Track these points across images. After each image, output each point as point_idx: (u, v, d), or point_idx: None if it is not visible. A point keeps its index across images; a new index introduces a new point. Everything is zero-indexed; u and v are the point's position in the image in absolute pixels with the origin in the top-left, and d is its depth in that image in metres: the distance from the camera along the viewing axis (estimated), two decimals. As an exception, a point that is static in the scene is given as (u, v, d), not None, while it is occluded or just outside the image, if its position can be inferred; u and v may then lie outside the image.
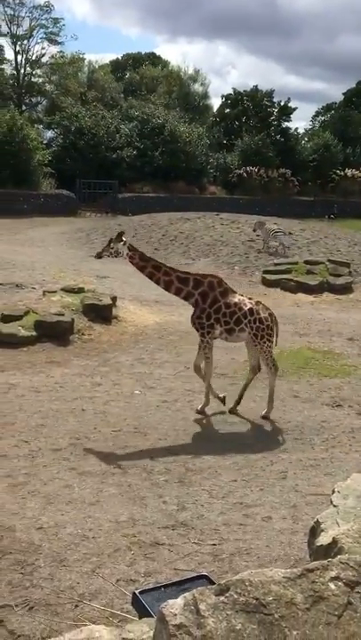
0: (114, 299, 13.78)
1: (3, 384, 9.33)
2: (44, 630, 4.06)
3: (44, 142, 48.01)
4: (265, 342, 8.59)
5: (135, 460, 6.97)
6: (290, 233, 23.81)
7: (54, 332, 11.74)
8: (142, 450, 7.28)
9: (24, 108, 54.93)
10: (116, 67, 70.29)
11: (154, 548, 5.17)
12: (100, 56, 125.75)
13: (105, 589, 4.56)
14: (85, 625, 4.01)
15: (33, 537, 5.24)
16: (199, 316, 8.47)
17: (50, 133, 53.80)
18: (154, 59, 72.90)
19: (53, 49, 59.41)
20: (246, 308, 8.51)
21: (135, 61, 71.19)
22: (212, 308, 8.42)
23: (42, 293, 13.90)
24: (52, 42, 57.79)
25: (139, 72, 67.26)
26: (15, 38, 55.64)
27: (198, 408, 8.65)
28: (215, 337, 8.57)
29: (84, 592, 4.51)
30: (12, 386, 9.27)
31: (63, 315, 12.23)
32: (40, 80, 59.38)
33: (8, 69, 57.00)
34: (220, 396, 8.77)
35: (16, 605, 4.31)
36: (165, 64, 71.52)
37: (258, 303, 8.76)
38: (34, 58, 57.52)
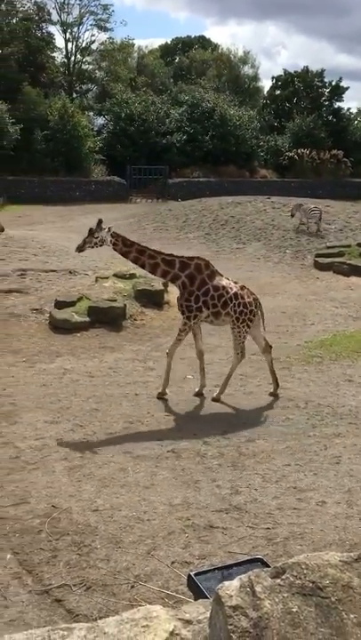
0: (165, 284, 13.80)
1: (58, 369, 9.48)
2: (102, 610, 4.14)
3: (95, 129, 48.32)
4: (244, 327, 8.51)
5: (188, 444, 7.00)
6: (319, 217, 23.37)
7: (107, 318, 11.86)
8: (195, 434, 7.31)
9: (75, 95, 55.27)
10: (166, 51, 70.03)
11: (208, 532, 5.20)
12: (150, 41, 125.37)
13: (160, 571, 4.61)
14: (141, 605, 4.08)
15: (89, 519, 5.33)
16: (187, 299, 8.36)
17: (100, 120, 54.11)
18: (203, 42, 72.32)
19: (103, 35, 59.83)
20: (232, 292, 8.43)
21: (184, 45, 70.77)
22: (201, 291, 8.32)
23: (94, 279, 14.04)
24: (102, 28, 57.99)
25: (188, 56, 66.89)
26: (65, 26, 55.97)
27: (159, 391, 8.53)
28: (200, 320, 8.50)
29: (139, 573, 4.57)
30: (66, 371, 9.41)
31: (115, 300, 12.34)
32: (90, 67, 59.68)
33: (59, 57, 57.50)
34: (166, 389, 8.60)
35: (74, 585, 4.41)
36: (215, 47, 70.92)
37: (243, 287, 8.69)
38: (84, 45, 57.82)
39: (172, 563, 4.72)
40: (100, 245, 8.44)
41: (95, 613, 4.10)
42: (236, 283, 8.70)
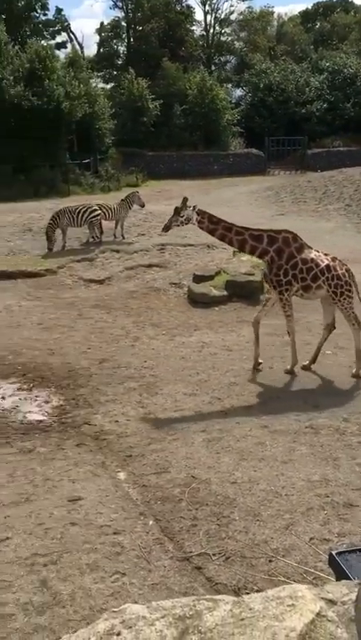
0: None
1: (196, 342, 9.62)
2: (240, 581, 4.20)
3: (233, 101, 48.05)
4: (345, 299, 8.22)
5: (327, 420, 6.89)
6: None
7: (244, 292, 11.86)
8: (334, 410, 7.17)
9: (213, 67, 55.19)
10: (306, 17, 67.94)
11: (347, 509, 5.11)
12: (290, 8, 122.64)
13: (298, 547, 4.60)
14: (279, 579, 4.10)
15: (227, 490, 5.41)
16: (276, 274, 8.17)
17: (238, 92, 53.78)
18: (346, 5, 69.43)
19: (242, 5, 59.61)
20: (323, 265, 8.15)
21: (326, 10, 68.26)
22: (289, 264, 8.10)
23: (232, 253, 14.06)
24: (241, -2, 57.37)
25: (329, 21, 64.59)
26: (204, -2, 55.89)
27: (288, 367, 8.45)
28: (292, 294, 8.30)
29: (277, 547, 4.58)
30: (205, 344, 9.53)
31: (253, 274, 12.31)
32: (229, 38, 59.32)
33: (197, 30, 57.56)
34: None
35: (213, 555, 4.50)
36: (359, 9, 67.92)
37: (334, 259, 8.36)
38: (223, 16, 57.52)
39: (311, 539, 4.69)
40: (187, 224, 8.33)
41: (234, 583, 4.17)
42: (326, 254, 8.47)
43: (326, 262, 8.25)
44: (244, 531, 4.81)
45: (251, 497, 5.30)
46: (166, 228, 8.60)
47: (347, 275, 8.33)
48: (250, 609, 1.67)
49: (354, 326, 8.44)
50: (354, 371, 8.34)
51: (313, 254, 8.31)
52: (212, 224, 8.26)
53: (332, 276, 8.18)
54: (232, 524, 4.89)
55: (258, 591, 3.94)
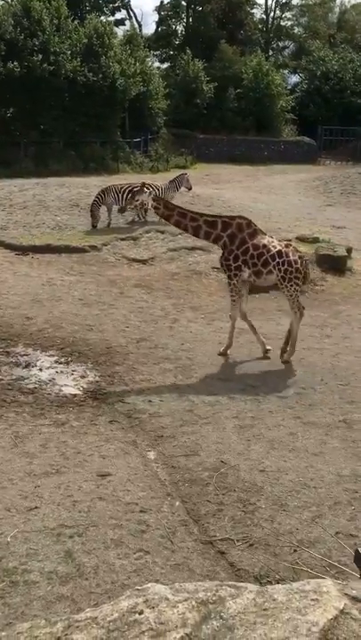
0: (349, 250, 13.43)
1: (235, 329, 9.56)
2: (263, 568, 4.20)
3: (288, 88, 47.43)
4: (292, 286, 8.28)
5: (362, 416, 6.82)
6: None
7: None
8: (370, 407, 7.09)
9: (270, 52, 54.52)
10: (369, 5, 66.49)
11: (376, 507, 5.07)
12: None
13: (323, 539, 4.58)
14: (302, 570, 4.10)
15: (256, 478, 5.40)
16: (227, 258, 8.29)
17: (294, 78, 53.08)
18: None
19: (305, -10, 58.22)
20: (275, 250, 8.20)
21: (390, -2, 66.74)
22: (240, 250, 8.20)
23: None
24: (304, -18, 56.50)
25: (393, 9, 63.12)
26: (267, -20, 55.16)
27: (221, 350, 8.54)
28: (243, 280, 8.36)
29: (302, 539, 4.57)
30: (242, 331, 9.47)
31: (297, 264, 12.18)
32: (289, 23, 58.50)
33: (258, 13, 56.93)
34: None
35: (237, 540, 4.51)
36: None
37: (288, 245, 8.46)
38: (284, 0, 56.67)
39: (337, 533, 4.67)
40: (142, 208, 8.83)
41: (256, 570, 4.18)
42: (280, 241, 8.58)
43: (278, 248, 8.32)
44: (269, 519, 4.80)
45: (279, 486, 5.29)
46: (122, 210, 9.35)
47: (299, 262, 8.37)
48: (273, 599, 1.67)
49: (295, 314, 8.54)
50: (285, 356, 8.43)
51: (265, 240, 8.38)
52: (168, 210, 8.49)
53: (283, 262, 8.25)
54: (258, 512, 4.90)
55: (280, 580, 3.96)
